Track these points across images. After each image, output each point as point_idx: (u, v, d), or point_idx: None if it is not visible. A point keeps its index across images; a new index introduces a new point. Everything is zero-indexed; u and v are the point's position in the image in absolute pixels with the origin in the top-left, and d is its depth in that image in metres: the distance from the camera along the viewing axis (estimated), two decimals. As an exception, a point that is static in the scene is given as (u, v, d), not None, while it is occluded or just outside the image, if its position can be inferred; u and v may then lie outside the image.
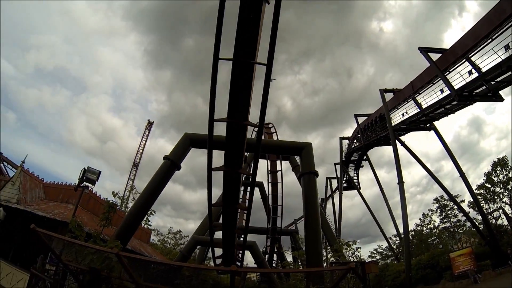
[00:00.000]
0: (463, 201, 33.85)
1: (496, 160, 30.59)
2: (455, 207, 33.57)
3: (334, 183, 48.98)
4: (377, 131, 35.66)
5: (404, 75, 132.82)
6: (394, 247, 41.07)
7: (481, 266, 22.15)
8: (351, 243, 23.48)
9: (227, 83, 8.00)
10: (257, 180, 11.21)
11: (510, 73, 19.46)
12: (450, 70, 23.21)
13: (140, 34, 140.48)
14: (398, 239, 39.01)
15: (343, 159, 44.38)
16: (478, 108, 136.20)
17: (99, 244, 8.95)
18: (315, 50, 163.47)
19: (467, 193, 30.55)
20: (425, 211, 46.62)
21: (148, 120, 67.49)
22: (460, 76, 22.32)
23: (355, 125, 41.23)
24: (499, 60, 19.30)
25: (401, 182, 26.62)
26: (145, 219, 14.02)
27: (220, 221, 20.64)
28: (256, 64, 7.65)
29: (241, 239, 20.15)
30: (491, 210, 29.63)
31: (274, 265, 35.04)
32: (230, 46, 7.18)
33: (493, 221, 28.59)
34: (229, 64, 7.54)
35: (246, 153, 14.52)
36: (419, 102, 27.92)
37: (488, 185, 30.37)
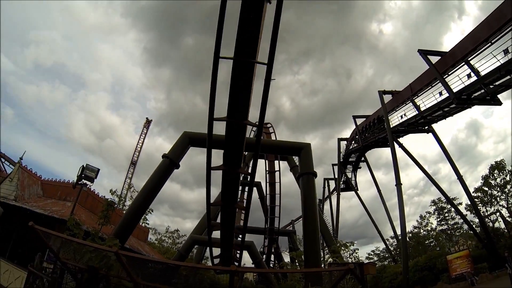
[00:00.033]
0: (460, 203, 34.01)
1: (494, 163, 30.71)
2: (453, 209, 33.70)
3: (332, 184, 49.09)
4: (375, 132, 35.75)
5: (403, 77, 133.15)
6: (392, 248, 41.16)
7: (478, 269, 22.27)
8: (348, 244, 23.51)
9: (226, 82, 8.02)
10: (255, 180, 11.20)
11: (508, 77, 19.54)
12: (449, 73, 23.30)
13: (139, 31, 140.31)
14: (396, 241, 39.09)
15: (341, 160, 44.47)
16: (476, 112, 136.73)
17: (97, 243, 8.93)
18: (315, 50, 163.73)
19: (464, 196, 30.71)
20: (422, 213, 46.74)
21: (147, 118, 67.53)
22: (459, 79, 22.44)
23: (354, 126, 41.32)
24: (498, 64, 19.40)
25: (399, 184, 26.67)
26: (143, 217, 14.03)
27: (218, 220, 20.67)
28: (257, 63, 7.66)
29: (239, 239, 20.19)
30: (488, 213, 29.75)
31: (271, 265, 35.01)
32: (230, 45, 7.18)
33: (490, 224, 28.70)
34: (228, 63, 7.54)
35: (244, 153, 14.54)
36: (418, 104, 28.00)
37: (486, 188, 30.48)
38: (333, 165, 47.66)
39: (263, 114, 8.54)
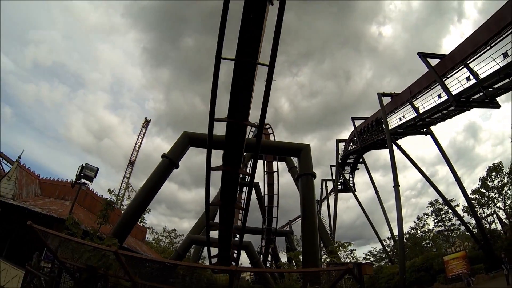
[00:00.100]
0: (458, 205, 34.19)
1: (491, 165, 30.90)
2: (450, 211, 33.86)
3: (330, 185, 49.18)
4: (373, 134, 35.85)
5: (402, 79, 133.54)
6: (388, 249, 41.31)
7: (475, 270, 22.41)
8: (346, 245, 23.58)
9: (225, 83, 8.03)
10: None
11: (507, 80, 19.68)
12: (448, 76, 23.43)
13: (139, 32, 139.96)
14: (392, 242, 39.25)
15: (339, 161, 44.55)
16: (474, 114, 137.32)
17: (96, 242, 8.89)
18: (314, 52, 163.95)
19: (461, 198, 30.92)
20: (419, 214, 46.93)
21: (145, 118, 67.33)
22: (458, 82, 22.55)
23: (352, 128, 41.44)
24: (497, 67, 19.53)
25: (396, 186, 26.80)
26: (140, 217, 13.99)
27: (216, 220, 20.67)
28: (258, 64, 7.67)
29: (236, 239, 20.19)
30: (485, 215, 29.92)
31: (268, 265, 35.04)
32: (230, 46, 7.19)
33: (487, 226, 28.87)
34: (228, 64, 7.55)
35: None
36: (417, 106, 28.11)
37: (483, 190, 30.65)
38: (331, 166, 47.77)
39: (264, 115, 8.54)
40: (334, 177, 45.59)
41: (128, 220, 13.30)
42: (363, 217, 43.01)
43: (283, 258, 38.67)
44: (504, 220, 29.09)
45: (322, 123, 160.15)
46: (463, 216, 31.04)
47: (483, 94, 21.62)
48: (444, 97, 24.06)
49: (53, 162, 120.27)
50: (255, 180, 33.69)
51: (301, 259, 22.30)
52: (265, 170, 33.06)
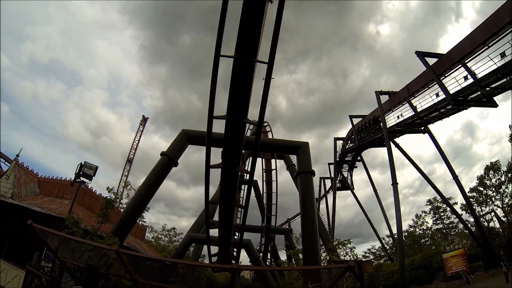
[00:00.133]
0: (456, 203, 34.31)
1: (489, 164, 31.05)
2: (448, 209, 33.98)
3: (328, 183, 49.21)
4: (371, 132, 35.92)
5: (399, 78, 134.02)
6: (387, 247, 41.42)
7: (474, 267, 22.48)
8: (346, 242, 23.66)
9: (223, 80, 8.02)
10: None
11: (505, 79, 19.76)
12: (446, 75, 23.48)
13: (137, 29, 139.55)
14: (391, 240, 39.35)
15: (337, 159, 44.59)
16: (471, 113, 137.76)
17: (96, 241, 8.89)
18: (312, 50, 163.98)
19: (459, 196, 31.04)
20: (417, 212, 47.19)
21: (143, 115, 67.09)
22: (455, 81, 22.62)
23: (350, 126, 41.46)
24: (494, 67, 19.60)
25: (395, 184, 26.88)
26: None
27: (215, 218, 20.67)
28: (257, 62, 7.67)
29: (235, 237, 20.21)
30: (483, 212, 30.08)
31: (267, 263, 35.12)
32: (228, 44, 7.19)
33: (485, 224, 29.04)
34: (226, 61, 7.55)
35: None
36: (414, 105, 28.20)
37: (481, 188, 30.80)
38: (329, 164, 47.77)
39: (263, 112, 8.56)
40: (332, 175, 45.67)
41: (128, 218, 13.28)
42: (361, 215, 43.10)
43: (282, 256, 38.80)
44: (502, 218, 29.27)
45: (320, 121, 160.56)
46: (462, 214, 31.16)
47: (480, 93, 21.68)
48: (442, 96, 24.14)
49: (50, 160, 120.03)
50: (254, 178, 33.70)
51: (300, 257, 22.40)
52: (264, 168, 33.14)
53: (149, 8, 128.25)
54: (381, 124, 30.89)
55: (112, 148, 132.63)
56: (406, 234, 38.65)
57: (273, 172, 31.75)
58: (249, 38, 7.09)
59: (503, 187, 29.49)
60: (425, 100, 26.56)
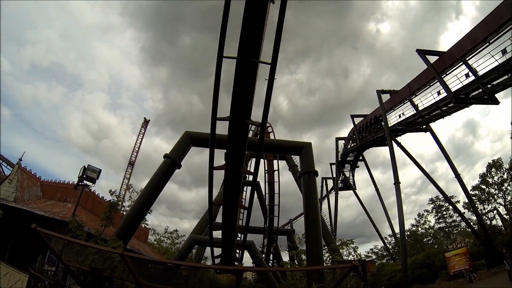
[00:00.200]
0: (458, 201, 34.25)
1: (491, 161, 30.95)
2: (450, 207, 33.92)
3: (330, 183, 49.21)
4: (373, 132, 35.91)
5: (400, 76, 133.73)
6: (390, 247, 41.35)
7: (476, 266, 22.47)
8: (349, 242, 23.64)
9: (224, 82, 7.98)
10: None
11: (506, 76, 19.75)
12: (447, 73, 23.49)
13: (137, 30, 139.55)
14: (394, 239, 39.28)
15: (339, 159, 44.60)
16: (473, 111, 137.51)
17: (100, 244, 8.87)
18: (312, 50, 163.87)
19: (461, 194, 30.98)
20: (419, 211, 47.12)
21: (144, 118, 67.02)
22: (457, 79, 22.64)
23: (351, 126, 41.50)
24: (496, 64, 19.60)
25: (397, 183, 26.86)
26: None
27: (218, 220, 20.64)
28: (260, 63, 7.66)
29: (237, 238, 20.19)
30: (486, 211, 29.99)
31: (270, 264, 35.06)
32: (229, 44, 7.16)
33: (488, 222, 28.95)
34: (228, 62, 7.52)
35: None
36: (416, 103, 28.19)
37: (483, 186, 30.72)
38: (331, 164, 47.78)
39: (266, 113, 8.54)
40: (334, 175, 45.66)
41: (131, 221, 13.23)
42: (363, 215, 43.09)
43: (285, 257, 38.73)
44: (504, 216, 29.17)
45: (321, 121, 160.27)
46: (464, 212, 31.19)
47: (482, 91, 21.68)
48: (443, 94, 24.16)
49: (52, 163, 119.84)
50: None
51: (303, 258, 22.35)
52: (266, 169, 33.08)
53: (149, 9, 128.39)
54: (383, 123, 30.88)
55: (113, 151, 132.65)
56: (408, 233, 38.59)
57: (275, 173, 31.69)
58: (252, 39, 7.08)
59: (506, 184, 29.38)
60: (427, 98, 26.66)
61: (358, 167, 45.29)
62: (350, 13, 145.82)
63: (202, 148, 15.85)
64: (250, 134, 24.79)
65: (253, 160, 25.42)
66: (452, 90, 22.76)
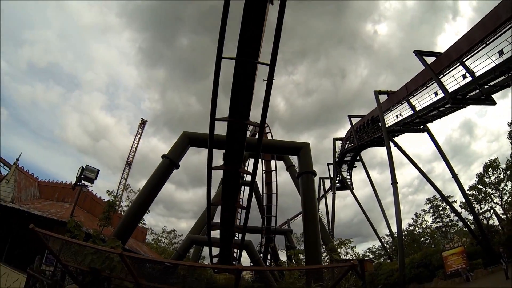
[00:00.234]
0: (455, 201, 34.47)
1: (488, 162, 31.16)
2: (447, 207, 34.10)
3: (327, 183, 49.34)
4: (370, 132, 36.01)
5: (397, 77, 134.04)
6: (387, 246, 41.52)
7: (473, 265, 22.62)
8: (347, 242, 23.72)
9: (223, 82, 7.99)
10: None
11: (503, 77, 19.84)
12: (445, 74, 23.58)
13: (134, 31, 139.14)
14: (391, 239, 39.46)
15: (337, 159, 44.69)
16: (470, 111, 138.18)
17: (98, 244, 8.86)
18: (310, 51, 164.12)
19: (458, 194, 31.20)
20: (416, 211, 47.33)
21: (142, 118, 67.01)
22: (454, 79, 22.72)
23: (348, 126, 41.60)
24: (493, 65, 19.70)
25: (394, 183, 26.95)
26: (140, 218, 13.92)
27: (215, 220, 20.68)
28: (259, 64, 7.69)
29: (235, 238, 20.22)
30: (483, 210, 30.20)
31: (267, 264, 35.13)
32: (227, 45, 7.18)
33: (485, 221, 29.15)
34: (226, 63, 7.54)
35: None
36: (413, 104, 28.29)
37: (480, 186, 30.92)
38: (328, 164, 47.95)
39: (265, 114, 8.57)
40: (331, 175, 45.77)
41: (129, 221, 13.24)
42: (361, 215, 43.19)
43: (282, 256, 38.81)
44: (501, 215, 29.40)
45: (318, 121, 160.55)
46: (461, 212, 31.29)
47: (479, 92, 21.78)
48: (441, 94, 24.23)
49: (49, 163, 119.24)
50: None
51: (300, 257, 22.42)
52: (263, 169, 33.15)
53: (146, 10, 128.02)
54: (380, 123, 30.97)
55: (110, 151, 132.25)
56: (405, 233, 38.80)
57: (273, 173, 31.77)
58: (251, 40, 7.11)
59: (502, 184, 29.63)
60: (424, 99, 26.71)
61: (355, 167, 45.40)
62: (348, 14, 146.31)
63: (199, 148, 15.90)
64: (248, 135, 24.81)
65: (251, 160, 25.47)
66: (449, 90, 22.86)
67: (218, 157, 10.47)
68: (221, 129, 9.18)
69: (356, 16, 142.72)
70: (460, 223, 32.90)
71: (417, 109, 27.58)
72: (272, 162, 31.79)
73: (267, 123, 35.41)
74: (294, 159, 25.92)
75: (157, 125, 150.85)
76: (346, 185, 44.48)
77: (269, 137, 34.45)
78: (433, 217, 37.95)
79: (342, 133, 69.11)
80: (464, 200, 29.43)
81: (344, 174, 45.23)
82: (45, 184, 18.77)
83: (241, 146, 9.71)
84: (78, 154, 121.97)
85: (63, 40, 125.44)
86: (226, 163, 10.29)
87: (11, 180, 15.41)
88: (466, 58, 21.63)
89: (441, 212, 36.98)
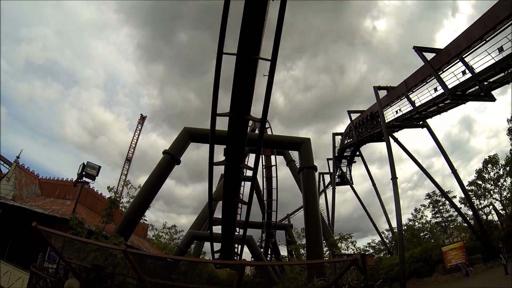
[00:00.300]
0: (455, 197, 34.62)
1: (487, 157, 31.24)
2: (447, 202, 34.23)
3: (327, 178, 49.44)
4: (370, 127, 36.02)
5: (396, 73, 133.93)
6: (387, 241, 41.74)
7: (473, 260, 22.78)
8: (347, 237, 23.81)
9: (223, 78, 7.98)
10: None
11: (503, 74, 19.82)
12: (444, 70, 23.55)
13: (133, 27, 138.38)
14: (391, 234, 39.67)
15: (336, 154, 44.74)
16: (469, 107, 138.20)
17: (101, 241, 8.88)
18: (308, 47, 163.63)
19: (458, 189, 31.28)
20: (416, 206, 47.46)
21: (141, 114, 66.83)
22: (454, 76, 22.68)
23: (347, 122, 41.60)
24: (492, 61, 19.66)
25: (394, 178, 26.97)
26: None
27: (216, 215, 20.72)
28: (260, 59, 7.66)
29: (236, 233, 20.30)
30: (482, 206, 30.33)
31: (268, 259, 35.31)
32: (228, 41, 7.16)
33: (484, 217, 29.30)
34: (226, 59, 7.52)
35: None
36: (413, 100, 28.27)
37: (479, 182, 31.03)
38: (328, 159, 48.04)
39: (266, 109, 8.59)
40: (331, 170, 45.86)
41: (131, 217, 13.25)
42: (360, 210, 43.33)
43: (283, 251, 38.98)
44: (500, 211, 29.54)
45: (317, 117, 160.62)
46: (460, 207, 31.44)
47: (478, 88, 21.77)
48: (440, 90, 24.20)
49: (48, 161, 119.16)
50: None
51: (301, 252, 22.54)
52: (263, 164, 33.18)
53: (145, 6, 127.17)
54: (380, 119, 30.96)
55: (110, 148, 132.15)
56: (405, 228, 38.98)
57: (273, 168, 31.81)
58: (252, 36, 7.07)
59: (501, 180, 29.75)
60: (423, 94, 26.66)
61: (355, 162, 45.46)
62: (347, 10, 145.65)
63: (198, 144, 15.87)
64: (248, 130, 24.77)
65: (251, 155, 25.49)
66: (449, 87, 22.80)
67: (218, 153, 10.48)
68: (221, 125, 9.19)
69: (355, 12, 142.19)
70: (459, 218, 33.06)
71: (417, 104, 27.55)
72: (272, 157, 31.82)
73: (267, 119, 35.33)
74: (293, 154, 25.98)
75: (156, 121, 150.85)
76: (345, 180, 44.58)
77: (269, 132, 34.44)
78: (433, 212, 38.16)
79: (341, 128, 69.07)
80: (463, 196, 29.52)
81: (344, 169, 45.31)
82: (46, 182, 18.74)
83: (242, 141, 9.71)
84: (77, 151, 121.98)
85: (61, 37, 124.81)
86: (228, 159, 10.29)
87: (12, 178, 15.36)
88: (465, 55, 21.57)
89: (441, 207, 37.15)
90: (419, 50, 25.35)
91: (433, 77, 24.27)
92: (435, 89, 25.13)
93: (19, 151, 17.81)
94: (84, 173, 11.65)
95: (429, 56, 24.92)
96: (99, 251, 7.89)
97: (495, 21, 18.73)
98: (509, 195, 28.96)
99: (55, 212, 14.10)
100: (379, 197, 40.28)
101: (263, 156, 32.33)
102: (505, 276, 17.51)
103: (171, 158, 14.25)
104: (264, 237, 33.87)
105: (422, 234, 38.35)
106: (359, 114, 39.51)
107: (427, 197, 38.65)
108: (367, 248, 47.48)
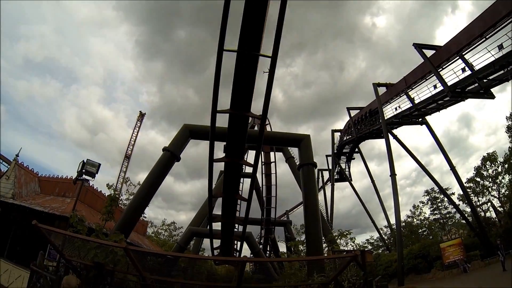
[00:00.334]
0: (453, 193, 34.69)
1: (486, 155, 31.33)
2: (445, 199, 34.33)
3: (326, 175, 49.56)
4: (369, 124, 36.06)
5: (395, 70, 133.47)
6: (385, 238, 41.91)
7: (471, 256, 22.91)
8: (346, 233, 23.85)
9: (223, 75, 7.94)
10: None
11: (502, 71, 19.84)
12: (444, 67, 23.55)
13: (131, 25, 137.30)
14: (389, 230, 39.80)
15: (335, 151, 44.81)
16: (468, 105, 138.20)
17: (101, 239, 8.89)
18: (308, 43, 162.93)
19: (456, 186, 31.36)
20: (414, 203, 47.56)
21: (140, 111, 66.49)
22: (453, 73, 22.71)
23: (346, 118, 41.60)
24: (492, 59, 19.69)
25: (393, 175, 27.09)
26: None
27: (214, 212, 20.74)
28: (261, 56, 7.64)
29: (235, 230, 20.36)
30: (480, 203, 30.44)
31: (267, 255, 35.44)
32: (228, 38, 7.12)
33: (482, 214, 29.43)
34: (226, 56, 7.49)
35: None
36: (412, 97, 28.30)
37: (478, 179, 31.13)
38: (327, 156, 48.14)
39: (267, 106, 8.57)
40: (330, 167, 45.95)
41: (131, 214, 13.29)
42: (359, 206, 43.51)
43: (282, 247, 39.08)
44: (498, 208, 29.65)
45: (316, 113, 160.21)
46: (459, 204, 31.55)
47: (478, 85, 21.82)
48: (440, 87, 24.23)
49: (47, 159, 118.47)
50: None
51: (300, 249, 22.63)
52: (263, 160, 33.21)
53: (143, 3, 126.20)
54: (379, 116, 30.99)
55: (109, 145, 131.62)
56: (403, 224, 39.07)
57: (272, 165, 31.85)
58: (252, 32, 7.06)
59: (500, 177, 29.82)
60: (423, 92, 26.71)
61: (354, 159, 45.60)
62: (346, 7, 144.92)
63: (197, 141, 15.85)
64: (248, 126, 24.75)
65: (250, 152, 25.51)
66: (449, 84, 22.86)
67: (217, 150, 10.46)
68: (220, 121, 9.18)
69: (354, 8, 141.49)
70: (457, 215, 33.13)
71: (416, 102, 27.61)
72: (271, 153, 31.86)
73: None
74: (293, 151, 26.01)
75: (155, 118, 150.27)
76: (344, 177, 44.72)
77: (268, 129, 34.42)
78: (431, 209, 38.20)
79: (340, 125, 69.13)
80: (462, 193, 29.63)
81: (343, 165, 45.44)
82: (45, 179, 18.66)
83: (242, 138, 9.72)
84: (76, 149, 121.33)
85: (59, 35, 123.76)
86: (228, 155, 10.31)
87: (11, 176, 15.28)
88: (465, 52, 21.61)
89: (439, 204, 37.17)
90: (419, 47, 25.37)
91: (433, 74, 24.30)
92: (435, 86, 25.16)
93: (18, 149, 17.72)
94: (84, 170, 11.62)
95: (429, 53, 24.95)
96: (100, 248, 7.91)
97: (495, 19, 18.74)
98: (507, 192, 29.04)
99: (54, 210, 14.05)
100: (377, 194, 40.51)
101: (262, 152, 32.35)
102: (503, 273, 17.62)
103: (171, 155, 14.25)
104: (263, 234, 33.97)
105: (420, 230, 38.43)
106: (358, 111, 39.54)
107: (426, 193, 38.67)
108: (366, 245, 47.63)
